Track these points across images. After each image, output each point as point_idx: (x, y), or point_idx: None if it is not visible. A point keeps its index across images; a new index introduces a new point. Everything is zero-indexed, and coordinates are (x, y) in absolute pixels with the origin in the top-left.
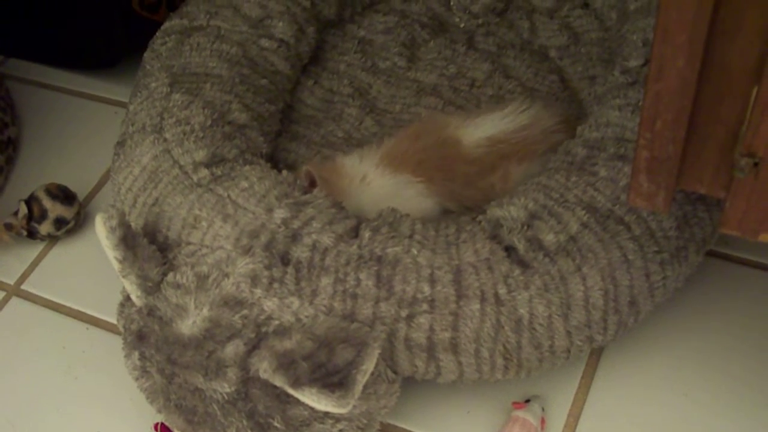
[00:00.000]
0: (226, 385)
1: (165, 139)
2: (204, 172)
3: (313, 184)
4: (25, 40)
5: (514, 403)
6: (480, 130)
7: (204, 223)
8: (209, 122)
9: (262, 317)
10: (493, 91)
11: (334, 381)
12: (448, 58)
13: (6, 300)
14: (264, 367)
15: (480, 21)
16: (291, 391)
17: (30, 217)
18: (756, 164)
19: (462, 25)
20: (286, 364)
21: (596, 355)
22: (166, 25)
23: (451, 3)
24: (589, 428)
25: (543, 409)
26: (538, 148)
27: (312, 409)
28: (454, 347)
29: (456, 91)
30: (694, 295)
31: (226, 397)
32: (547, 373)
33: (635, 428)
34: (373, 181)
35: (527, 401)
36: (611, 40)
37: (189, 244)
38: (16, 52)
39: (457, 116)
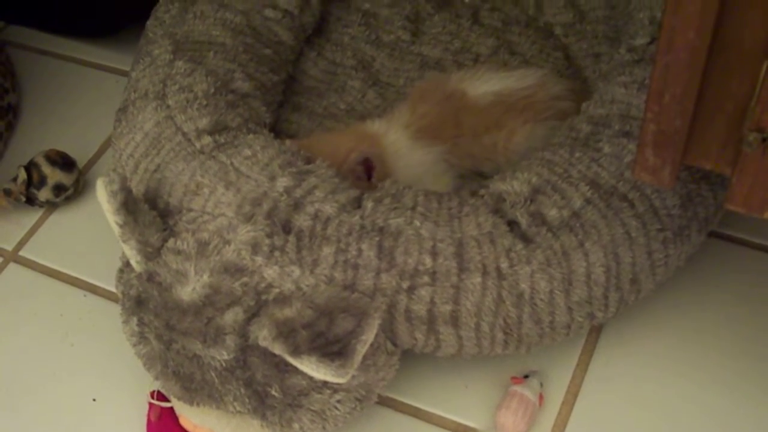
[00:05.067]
0: (224, 353)
1: (168, 106)
2: (207, 140)
3: (369, 170)
4: (27, 6)
5: (513, 378)
6: (487, 84)
7: (206, 190)
8: (212, 90)
9: (263, 285)
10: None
11: (334, 350)
12: (452, 33)
13: (4, 266)
14: (264, 335)
15: None
16: (290, 360)
17: (29, 183)
18: (764, 140)
19: (467, 0)
20: (285, 332)
21: (596, 332)
22: None
23: None
24: (588, 405)
25: (541, 385)
26: (544, 112)
27: (310, 378)
28: (455, 320)
29: (460, 65)
30: (696, 275)
31: (224, 365)
32: (547, 349)
33: (634, 406)
34: (405, 152)
35: (526, 377)
36: (617, 18)
37: (190, 210)
38: (17, 19)
39: (458, 72)
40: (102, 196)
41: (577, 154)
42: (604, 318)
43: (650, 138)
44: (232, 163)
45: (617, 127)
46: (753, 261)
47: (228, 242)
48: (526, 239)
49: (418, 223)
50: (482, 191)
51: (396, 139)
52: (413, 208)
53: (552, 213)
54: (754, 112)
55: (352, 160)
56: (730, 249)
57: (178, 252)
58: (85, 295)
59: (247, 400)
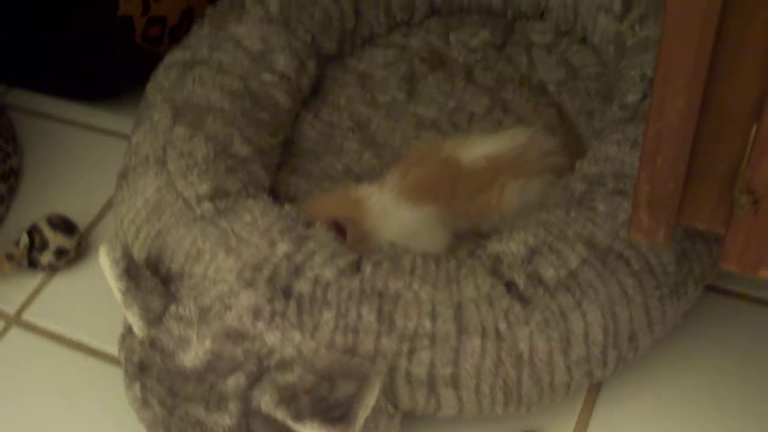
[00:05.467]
0: (227, 418)
1: (168, 172)
2: (207, 206)
3: (341, 231)
4: (29, 70)
5: None
6: (480, 148)
7: (207, 256)
8: (212, 155)
9: (264, 350)
10: (492, 125)
11: (336, 415)
12: (447, 93)
13: (6, 329)
14: (266, 401)
15: (479, 55)
16: (293, 425)
17: (31, 247)
18: (756, 201)
19: (461, 60)
20: (287, 397)
21: (595, 389)
22: (169, 57)
23: (450, 37)
24: None
25: None
26: (535, 167)
27: None
28: (455, 382)
29: (455, 125)
30: (693, 330)
31: (227, 430)
32: (546, 407)
33: None
34: (393, 213)
35: None
36: (609, 75)
37: (192, 276)
38: (19, 83)
39: (452, 138)
40: (105, 263)
41: (573, 214)
42: (603, 376)
43: (644, 200)
44: (232, 229)
45: (611, 185)
46: (751, 315)
47: (229, 308)
48: (524, 300)
49: (416, 287)
50: (479, 252)
51: (381, 200)
52: (412, 272)
53: (549, 273)
54: (744, 175)
55: (320, 222)
56: (728, 303)
57: (180, 318)
58: (86, 359)
59: None
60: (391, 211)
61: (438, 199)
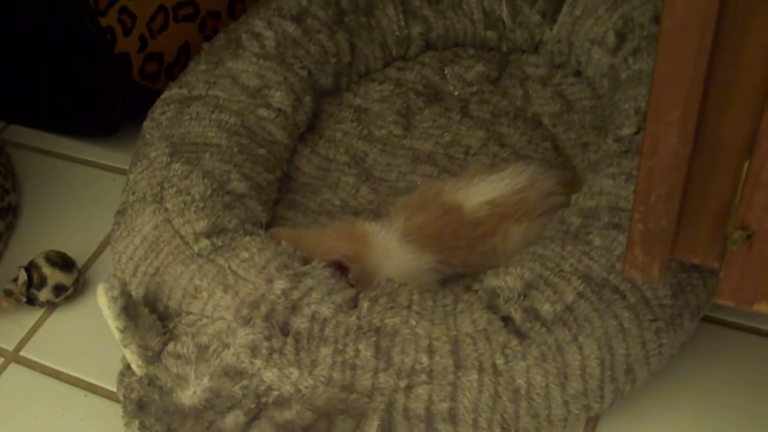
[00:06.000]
0: None
1: (166, 209)
2: (205, 243)
3: (341, 269)
4: (27, 107)
5: None
6: (480, 194)
7: (204, 294)
8: (209, 192)
9: (262, 388)
10: (488, 158)
11: None
12: (442, 126)
13: (4, 366)
14: None
15: (474, 89)
16: None
17: (29, 283)
18: (749, 236)
19: (456, 93)
20: None
21: (592, 423)
22: (166, 94)
23: (446, 71)
24: None
25: None
26: (536, 209)
27: None
28: (453, 418)
29: (451, 158)
30: (690, 361)
31: None
32: None
33: None
34: (395, 254)
35: None
36: (603, 108)
37: (189, 314)
38: (17, 119)
39: (451, 181)
40: (103, 302)
41: (569, 248)
42: (600, 409)
43: (638, 237)
44: (229, 266)
45: (606, 219)
46: (748, 345)
47: (227, 345)
48: (521, 335)
49: (413, 322)
50: (476, 286)
51: (385, 240)
52: (408, 307)
53: (545, 308)
54: (737, 210)
55: (326, 260)
56: (724, 333)
57: (178, 356)
58: (85, 395)
59: None
60: (393, 251)
61: (440, 250)
